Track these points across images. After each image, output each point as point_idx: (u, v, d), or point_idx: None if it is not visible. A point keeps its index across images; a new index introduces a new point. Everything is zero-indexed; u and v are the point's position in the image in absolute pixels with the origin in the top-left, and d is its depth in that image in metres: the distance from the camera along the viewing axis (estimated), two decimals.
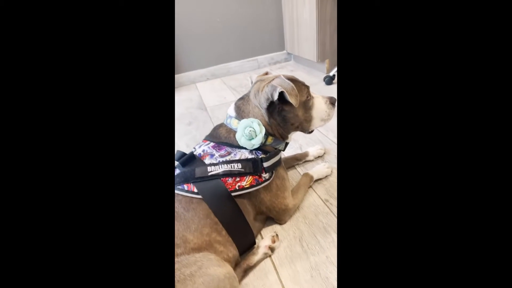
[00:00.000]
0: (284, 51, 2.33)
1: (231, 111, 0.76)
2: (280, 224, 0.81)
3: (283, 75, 0.71)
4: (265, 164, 0.71)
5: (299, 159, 1.05)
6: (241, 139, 0.70)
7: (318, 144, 1.17)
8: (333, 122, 1.30)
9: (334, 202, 0.87)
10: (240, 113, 0.74)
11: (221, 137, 0.74)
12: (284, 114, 0.72)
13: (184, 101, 1.88)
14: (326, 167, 0.98)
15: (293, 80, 0.72)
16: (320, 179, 0.96)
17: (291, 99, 0.67)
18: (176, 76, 2.14)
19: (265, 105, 0.70)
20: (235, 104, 0.76)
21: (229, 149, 0.71)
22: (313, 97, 0.78)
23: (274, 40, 2.27)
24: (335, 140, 1.18)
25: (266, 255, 0.72)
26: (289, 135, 0.79)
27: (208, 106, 1.73)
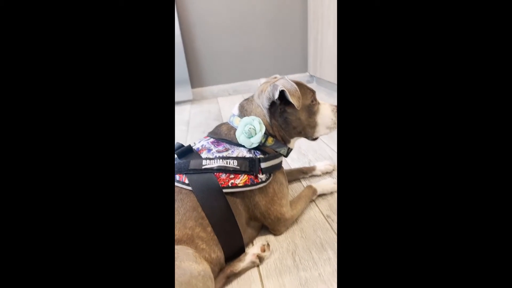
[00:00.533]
0: (307, 73, 2.34)
1: (235, 110, 0.75)
2: (275, 235, 0.76)
3: (290, 78, 0.70)
4: (263, 165, 0.67)
5: (305, 173, 1.01)
6: (240, 137, 0.68)
7: (328, 160, 1.12)
8: None
9: (336, 219, 0.80)
10: (243, 112, 0.73)
11: (221, 134, 0.72)
12: (286, 115, 0.70)
13: (203, 112, 1.92)
14: (333, 183, 0.92)
15: (299, 83, 0.70)
16: (324, 194, 0.91)
17: (292, 100, 0.65)
18: (199, 89, 2.22)
19: (266, 104, 0.69)
20: (240, 103, 0.76)
21: (227, 145, 0.69)
22: (319, 103, 0.75)
23: (298, 61, 2.31)
24: None
25: (254, 264, 0.67)
26: (292, 140, 0.76)
27: (224, 118, 1.75)
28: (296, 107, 0.66)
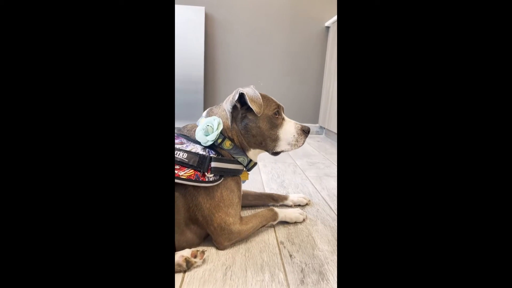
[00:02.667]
0: (318, 124, 2.38)
1: (204, 113, 0.78)
2: (218, 248, 0.70)
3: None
4: (213, 164, 0.66)
5: (275, 200, 0.96)
6: (198, 133, 0.69)
7: (307, 195, 1.06)
8: (333, 184, 1.20)
9: (289, 248, 0.73)
10: (210, 114, 0.75)
11: (183, 130, 0.74)
12: (246, 122, 0.71)
13: None
14: (299, 213, 0.86)
15: (264, 95, 0.73)
16: (286, 222, 0.84)
17: (252, 105, 0.66)
18: None
19: (229, 107, 0.71)
20: (210, 108, 0.79)
21: (184, 140, 0.70)
22: (283, 118, 0.75)
23: (310, 112, 2.38)
24: (328, 199, 1.05)
25: (179, 268, 0.61)
26: (252, 150, 0.75)
27: None
28: (256, 113, 0.67)
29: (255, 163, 0.79)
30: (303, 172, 1.35)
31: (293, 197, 0.97)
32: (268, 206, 0.96)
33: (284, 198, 0.97)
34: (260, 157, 1.59)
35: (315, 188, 1.16)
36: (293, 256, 0.69)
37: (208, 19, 2.19)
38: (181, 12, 2.07)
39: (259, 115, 0.68)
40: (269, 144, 0.73)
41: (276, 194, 0.97)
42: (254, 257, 0.68)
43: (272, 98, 0.75)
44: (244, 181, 0.82)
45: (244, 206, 0.94)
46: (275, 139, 0.73)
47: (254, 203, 0.94)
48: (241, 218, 0.73)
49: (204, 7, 2.08)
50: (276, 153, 0.76)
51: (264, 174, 1.30)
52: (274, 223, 0.81)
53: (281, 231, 0.81)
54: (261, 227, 0.78)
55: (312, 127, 2.38)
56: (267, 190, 1.11)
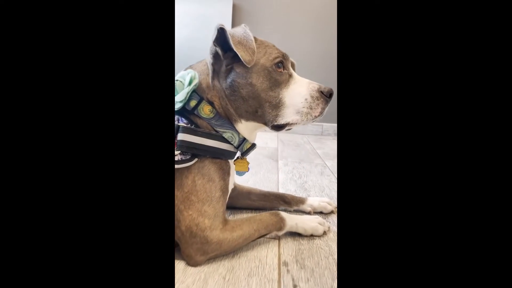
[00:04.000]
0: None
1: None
2: (188, 263, 0.47)
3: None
4: (180, 136, 0.45)
5: (288, 203, 0.70)
6: None
7: (334, 201, 0.79)
8: None
9: (295, 273, 0.47)
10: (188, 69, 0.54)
11: None
12: (233, 77, 0.48)
13: None
14: (319, 223, 0.60)
15: (263, 41, 0.50)
16: (299, 234, 0.59)
17: (237, 49, 0.44)
18: None
19: (210, 57, 0.49)
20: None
21: None
22: (291, 74, 0.51)
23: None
24: None
25: None
26: (244, 122, 0.52)
27: None
28: (245, 62, 0.45)
29: (253, 145, 0.55)
30: (332, 174, 1.07)
31: (313, 201, 0.71)
32: (278, 210, 0.71)
33: (300, 201, 0.71)
34: (281, 154, 1.34)
35: None
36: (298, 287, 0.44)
37: (236, 11, 2.05)
38: (206, 3, 1.95)
39: (249, 66, 0.46)
40: (268, 113, 0.49)
41: (289, 195, 0.72)
42: (237, 283, 0.44)
43: (272, 44, 0.51)
44: (241, 173, 0.60)
45: (244, 208, 0.70)
46: (277, 105, 0.49)
47: (259, 204, 0.70)
48: (225, 221, 0.49)
49: None
50: (278, 127, 0.51)
51: (282, 174, 1.05)
52: (280, 233, 0.56)
53: (289, 246, 0.55)
54: (257, 238, 0.54)
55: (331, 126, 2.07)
56: (281, 191, 0.85)
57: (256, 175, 1.01)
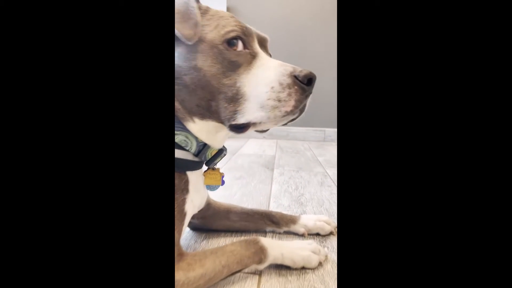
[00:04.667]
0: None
1: None
2: None
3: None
4: None
5: (275, 223, 0.57)
6: None
7: (332, 218, 0.65)
8: None
9: None
10: None
11: None
12: (175, 61, 0.36)
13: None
14: (312, 250, 0.47)
15: (218, 11, 0.39)
16: (286, 267, 0.45)
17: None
18: None
19: None
20: None
21: None
22: (256, 53, 0.39)
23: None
24: None
25: None
26: (199, 122, 0.40)
27: (239, 153, 1.45)
28: (182, 39, 0.33)
29: (220, 151, 0.43)
30: (334, 184, 0.94)
31: (308, 220, 0.58)
32: (264, 232, 0.58)
33: (292, 220, 0.58)
34: (278, 162, 1.21)
35: None
36: None
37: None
38: None
39: (190, 43, 0.34)
40: (224, 108, 0.37)
41: (278, 213, 0.59)
42: None
43: (234, 17, 0.40)
44: (213, 187, 0.47)
45: (222, 230, 0.57)
46: (234, 97, 0.37)
47: (240, 226, 0.57)
48: (180, 255, 0.37)
49: None
50: (238, 129, 0.39)
51: (276, 184, 0.92)
52: (260, 267, 0.43)
53: (272, 283, 0.42)
54: (228, 276, 0.41)
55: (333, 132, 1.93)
56: (273, 207, 0.72)
57: (246, 186, 0.88)
